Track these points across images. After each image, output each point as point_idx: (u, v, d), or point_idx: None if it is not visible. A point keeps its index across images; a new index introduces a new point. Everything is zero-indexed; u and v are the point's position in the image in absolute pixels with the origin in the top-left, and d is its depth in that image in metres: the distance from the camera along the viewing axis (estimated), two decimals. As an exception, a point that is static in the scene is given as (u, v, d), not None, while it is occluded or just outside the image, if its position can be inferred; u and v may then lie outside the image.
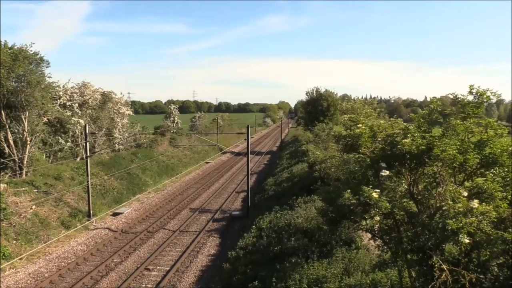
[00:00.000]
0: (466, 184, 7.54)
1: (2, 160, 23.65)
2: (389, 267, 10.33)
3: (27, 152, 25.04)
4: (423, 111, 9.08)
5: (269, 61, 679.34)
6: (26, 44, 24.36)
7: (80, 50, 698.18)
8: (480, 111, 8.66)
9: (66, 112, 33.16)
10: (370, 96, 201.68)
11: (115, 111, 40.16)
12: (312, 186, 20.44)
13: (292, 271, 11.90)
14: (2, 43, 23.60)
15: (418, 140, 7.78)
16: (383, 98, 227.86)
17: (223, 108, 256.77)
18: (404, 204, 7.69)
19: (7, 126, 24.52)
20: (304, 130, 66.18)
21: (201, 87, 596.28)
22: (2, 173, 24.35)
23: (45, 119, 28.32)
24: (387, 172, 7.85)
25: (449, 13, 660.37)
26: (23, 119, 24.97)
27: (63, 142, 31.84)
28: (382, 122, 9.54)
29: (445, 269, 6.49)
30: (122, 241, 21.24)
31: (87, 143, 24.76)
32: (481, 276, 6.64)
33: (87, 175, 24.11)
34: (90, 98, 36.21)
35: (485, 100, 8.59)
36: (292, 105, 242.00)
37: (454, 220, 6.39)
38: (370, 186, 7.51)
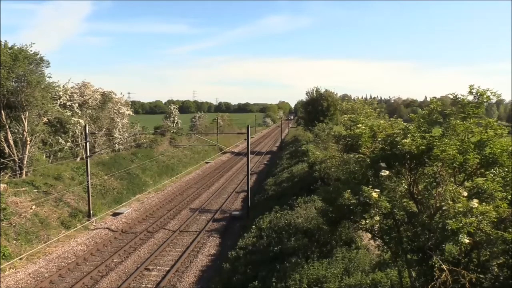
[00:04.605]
0: (466, 184, 7.55)
1: (2, 160, 23.65)
2: (389, 267, 10.33)
3: (27, 152, 25.04)
4: (423, 111, 9.09)
5: (269, 61, 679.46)
6: (26, 44, 24.41)
7: (80, 50, 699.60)
8: (480, 111, 8.68)
9: (66, 112, 33.17)
10: (370, 96, 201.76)
11: (115, 111, 40.16)
12: (312, 186, 20.46)
13: (292, 271, 11.90)
14: (2, 43, 23.64)
15: (418, 140, 7.77)
16: (383, 98, 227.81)
17: (223, 108, 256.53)
18: (404, 204, 7.68)
19: (7, 126, 24.52)
20: (304, 130, 66.23)
21: (201, 87, 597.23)
22: (2, 173, 24.35)
23: (45, 119, 28.31)
24: (387, 172, 7.84)
25: (450, 13, 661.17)
26: (23, 119, 24.98)
27: (63, 142, 31.84)
28: (382, 122, 9.54)
29: (445, 269, 6.48)
30: (122, 241, 21.24)
31: (87, 143, 24.76)
32: (481, 276, 6.63)
33: (87, 175, 24.12)
34: (90, 98, 36.22)
35: (485, 100, 8.61)
36: (292, 105, 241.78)
37: (454, 220, 6.38)
38: (370, 186, 7.51)
